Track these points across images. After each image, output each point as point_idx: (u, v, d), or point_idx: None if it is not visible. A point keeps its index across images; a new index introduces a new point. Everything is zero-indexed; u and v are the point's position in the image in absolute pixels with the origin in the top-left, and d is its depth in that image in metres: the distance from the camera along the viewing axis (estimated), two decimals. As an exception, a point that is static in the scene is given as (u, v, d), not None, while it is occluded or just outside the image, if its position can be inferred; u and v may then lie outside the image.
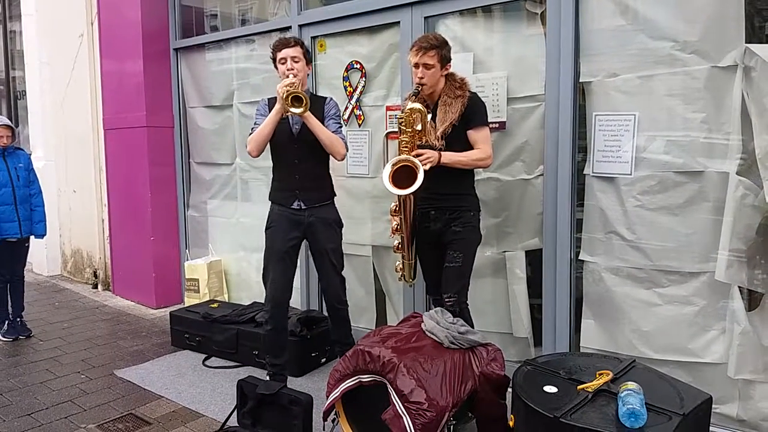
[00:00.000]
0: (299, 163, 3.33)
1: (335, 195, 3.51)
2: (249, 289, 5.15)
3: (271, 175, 3.49)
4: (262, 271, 3.47)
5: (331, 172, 3.50)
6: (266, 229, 3.44)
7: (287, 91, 3.06)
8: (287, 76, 3.19)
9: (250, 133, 3.35)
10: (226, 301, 5.11)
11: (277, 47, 3.31)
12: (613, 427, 2.12)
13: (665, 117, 2.92)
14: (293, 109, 3.08)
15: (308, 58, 3.36)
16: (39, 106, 6.77)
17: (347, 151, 3.37)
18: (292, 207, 3.35)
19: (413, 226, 3.18)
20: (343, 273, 3.52)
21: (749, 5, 2.73)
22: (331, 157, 3.36)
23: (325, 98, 3.47)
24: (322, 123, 3.30)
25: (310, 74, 4.27)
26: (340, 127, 3.41)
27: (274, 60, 3.34)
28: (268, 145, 3.36)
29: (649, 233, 3.02)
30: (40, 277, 6.76)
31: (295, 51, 3.27)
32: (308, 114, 3.16)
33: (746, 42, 2.71)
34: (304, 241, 3.48)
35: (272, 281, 3.37)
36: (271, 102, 3.36)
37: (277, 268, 3.36)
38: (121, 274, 5.90)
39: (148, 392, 3.67)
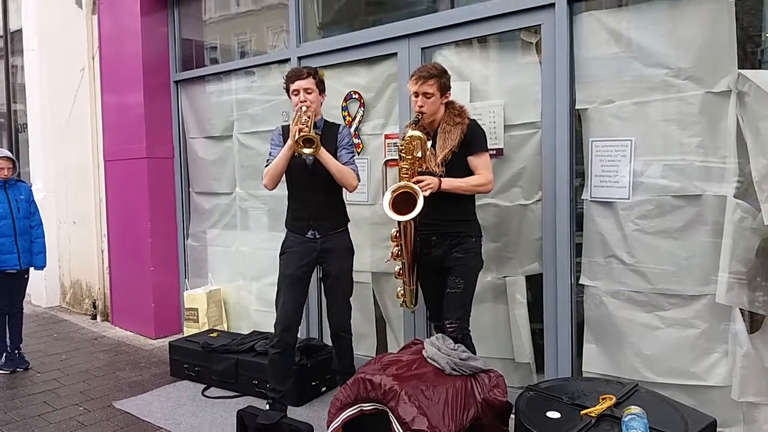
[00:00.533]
0: (313, 194, 3.38)
1: (349, 221, 3.55)
2: (248, 318, 5.12)
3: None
4: (276, 296, 3.47)
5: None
6: (280, 254, 3.48)
7: (299, 134, 3.09)
8: (300, 108, 3.24)
9: (266, 165, 3.39)
10: (226, 330, 5.08)
11: (290, 78, 3.36)
12: (618, 452, 2.11)
13: (661, 142, 2.96)
14: (305, 150, 3.11)
15: (321, 87, 3.41)
16: (39, 138, 6.82)
17: (359, 181, 3.41)
18: (307, 236, 3.39)
19: (414, 252, 3.19)
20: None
21: (740, 31, 2.79)
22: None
23: (339, 126, 3.51)
24: (336, 151, 3.34)
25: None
26: (353, 156, 3.44)
27: (287, 90, 3.39)
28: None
29: (648, 257, 3.03)
30: (38, 309, 6.72)
31: (308, 83, 3.31)
32: (324, 154, 3.21)
33: (739, 67, 2.76)
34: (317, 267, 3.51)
35: (283, 305, 3.38)
36: (285, 130, 3.40)
37: (289, 293, 3.38)
38: (121, 304, 5.88)
39: (147, 424, 3.62)
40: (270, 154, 3.43)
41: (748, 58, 2.89)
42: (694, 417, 2.35)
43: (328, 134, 3.38)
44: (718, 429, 2.79)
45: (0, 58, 8.42)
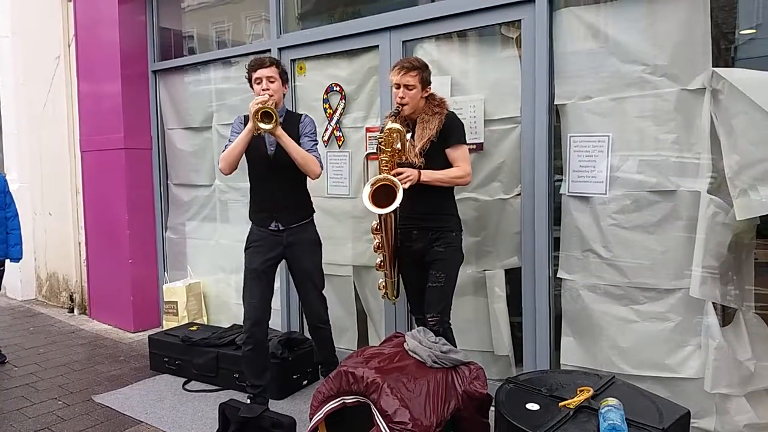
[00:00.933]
0: (275, 185, 3.34)
1: (314, 212, 3.53)
2: (228, 311, 5.11)
3: (247, 197, 3.51)
4: (242, 292, 3.47)
5: (310, 191, 3.52)
6: (246, 248, 3.45)
7: (257, 107, 3.07)
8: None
9: (223, 150, 3.34)
10: (206, 323, 5.06)
11: (252, 67, 3.33)
12: (594, 442, 2.16)
13: (638, 138, 3.01)
14: (262, 125, 3.07)
15: (284, 78, 3.37)
16: (14, 127, 6.70)
17: (322, 169, 3.37)
18: (270, 228, 3.37)
19: (395, 244, 3.21)
20: (324, 293, 3.54)
21: (715, 29, 2.84)
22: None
23: (301, 116, 3.48)
24: (298, 140, 3.31)
25: (290, 95, 4.33)
26: (315, 144, 3.39)
27: (249, 80, 3.35)
28: (246, 166, 3.38)
29: (624, 251, 3.09)
30: (13, 302, 6.63)
31: (271, 71, 3.28)
32: (281, 133, 3.15)
33: (713, 65, 2.81)
34: (283, 261, 3.49)
35: (250, 301, 3.37)
36: (246, 119, 3.33)
37: (255, 288, 3.37)
38: (98, 297, 5.82)
39: (127, 417, 3.61)
40: (229, 140, 3.36)
41: (722, 56, 2.94)
42: (668, 408, 2.41)
43: (290, 123, 3.34)
44: (692, 420, 2.89)
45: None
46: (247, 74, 3.38)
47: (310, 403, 2.80)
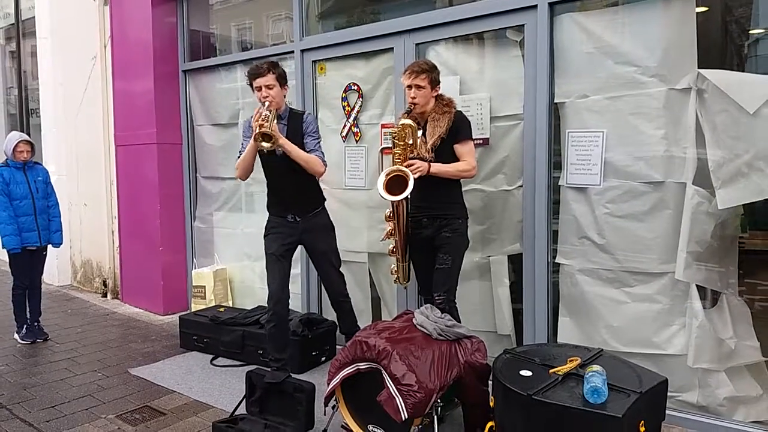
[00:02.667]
0: (287, 181, 3.67)
1: (325, 200, 3.85)
2: (252, 296, 5.46)
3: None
4: (266, 277, 3.79)
5: (325, 185, 3.84)
6: (265, 235, 3.79)
7: (259, 129, 3.35)
8: (263, 103, 3.51)
9: (237, 157, 3.69)
10: (231, 306, 5.40)
11: (251, 76, 3.59)
12: (578, 402, 2.44)
13: (630, 133, 3.27)
14: (264, 144, 3.39)
15: (282, 81, 3.63)
16: (52, 123, 7.11)
17: (326, 167, 3.66)
18: (287, 218, 3.72)
19: (406, 231, 3.51)
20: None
21: (701, 35, 3.09)
22: None
23: (303, 114, 3.76)
24: (302, 139, 3.61)
25: (311, 93, 4.66)
26: (318, 141, 3.68)
27: (251, 86, 3.63)
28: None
29: (617, 238, 3.35)
30: (51, 287, 7.04)
31: (268, 79, 3.53)
32: (283, 141, 3.45)
33: (699, 67, 3.07)
34: (300, 246, 3.83)
35: (271, 281, 3.70)
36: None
37: (275, 269, 3.70)
38: (130, 282, 6.21)
39: (161, 387, 3.96)
40: (241, 145, 3.72)
41: (707, 58, 3.17)
42: (648, 376, 2.67)
43: (293, 124, 3.64)
44: (676, 393, 3.16)
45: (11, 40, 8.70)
46: (247, 81, 3.65)
47: (327, 371, 3.11)
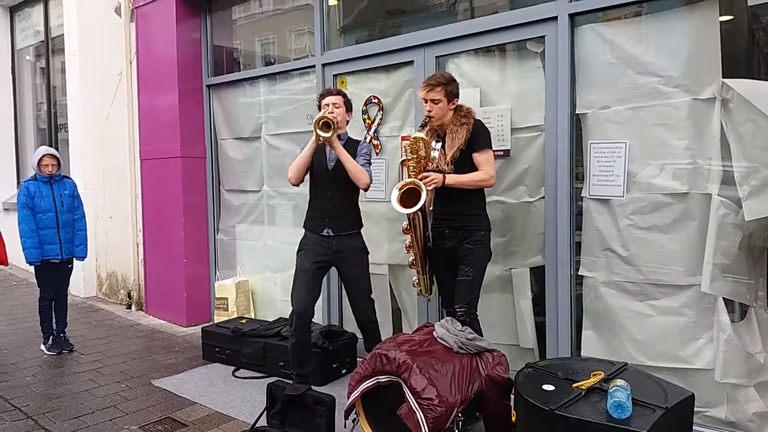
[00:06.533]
0: (332, 194, 3.74)
1: (362, 226, 3.89)
2: (274, 308, 5.48)
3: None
4: (291, 289, 3.81)
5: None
6: (298, 251, 3.83)
7: (319, 117, 3.50)
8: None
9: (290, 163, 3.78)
10: (253, 318, 5.44)
11: (322, 95, 3.83)
12: (602, 418, 2.39)
13: (653, 144, 3.23)
14: (321, 132, 3.48)
15: (348, 106, 3.83)
16: (79, 137, 7.25)
17: (371, 182, 3.75)
18: (322, 234, 3.74)
19: (424, 244, 3.50)
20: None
21: (725, 44, 3.05)
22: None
23: (359, 141, 3.90)
24: (354, 158, 3.70)
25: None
26: (368, 165, 3.79)
27: (319, 106, 3.80)
28: (307, 178, 3.80)
29: (641, 250, 3.30)
30: (77, 299, 7.15)
31: (336, 99, 3.77)
32: (337, 144, 3.57)
33: (723, 77, 3.02)
34: (333, 268, 3.87)
35: (297, 297, 3.72)
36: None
37: (303, 285, 3.72)
38: (154, 294, 6.28)
39: (183, 399, 3.99)
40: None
41: (732, 68, 3.13)
42: (674, 390, 2.61)
43: (349, 149, 3.73)
44: (703, 409, 3.09)
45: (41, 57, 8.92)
46: (317, 100, 3.85)
47: (347, 384, 3.10)
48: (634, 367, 2.92)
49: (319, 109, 3.77)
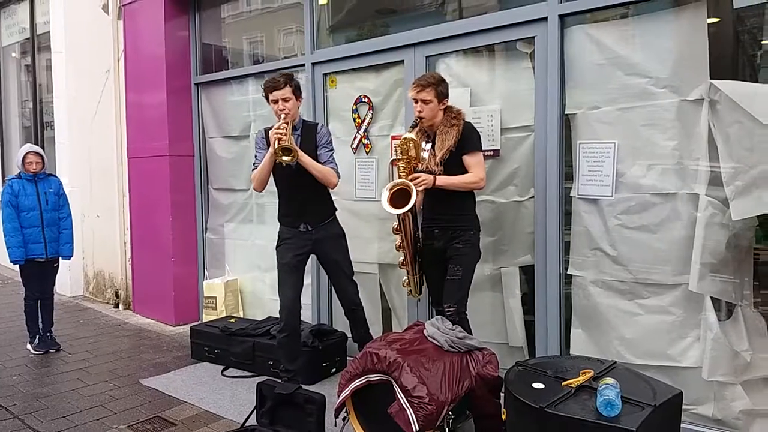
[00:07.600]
0: (299, 192, 3.72)
1: (336, 210, 3.89)
2: (263, 307, 5.46)
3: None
4: (277, 287, 3.80)
5: (336, 196, 3.89)
6: (277, 246, 3.82)
7: (278, 143, 3.41)
8: (279, 116, 3.56)
9: (252, 169, 3.74)
10: (242, 317, 5.41)
11: (267, 89, 3.66)
12: (591, 415, 2.41)
13: (641, 144, 3.26)
14: (284, 158, 3.44)
15: (297, 93, 3.69)
16: (66, 135, 7.18)
17: (339, 177, 3.74)
18: (299, 229, 3.74)
19: (413, 244, 3.51)
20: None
21: (713, 45, 3.08)
22: None
23: (317, 125, 3.83)
24: (315, 150, 3.66)
25: (321, 106, 4.70)
26: (332, 153, 3.75)
27: (266, 99, 3.69)
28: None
29: (629, 249, 3.33)
30: (63, 298, 7.09)
31: (284, 92, 3.60)
32: (302, 157, 3.53)
33: (711, 78, 3.05)
34: (312, 255, 3.86)
35: (284, 292, 3.73)
36: (266, 133, 3.74)
37: (288, 279, 3.74)
38: (142, 293, 6.24)
39: (172, 398, 3.96)
40: (255, 158, 3.76)
41: (719, 69, 3.16)
42: (662, 388, 2.63)
43: (307, 135, 3.70)
44: (691, 407, 3.12)
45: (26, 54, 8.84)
46: (263, 94, 3.72)
47: (338, 382, 3.10)
48: (623, 365, 2.95)
49: (267, 102, 3.67)
